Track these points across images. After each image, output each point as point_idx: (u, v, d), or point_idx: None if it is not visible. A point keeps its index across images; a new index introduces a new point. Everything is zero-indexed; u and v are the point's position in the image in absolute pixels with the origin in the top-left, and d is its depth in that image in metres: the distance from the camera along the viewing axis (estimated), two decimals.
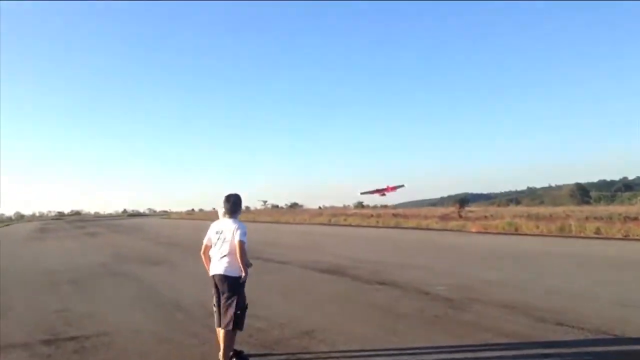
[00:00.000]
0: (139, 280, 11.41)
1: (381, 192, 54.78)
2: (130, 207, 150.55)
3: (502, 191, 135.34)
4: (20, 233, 43.56)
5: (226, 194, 5.02)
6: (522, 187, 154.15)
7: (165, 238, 27.14)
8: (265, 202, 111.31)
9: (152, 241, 25.02)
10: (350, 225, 34.64)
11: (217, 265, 4.92)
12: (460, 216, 33.41)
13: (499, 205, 58.84)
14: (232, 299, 4.79)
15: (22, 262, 17.07)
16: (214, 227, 5.08)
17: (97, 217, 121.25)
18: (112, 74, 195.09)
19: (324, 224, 38.11)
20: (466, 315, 6.81)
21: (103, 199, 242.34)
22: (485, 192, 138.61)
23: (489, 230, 23.31)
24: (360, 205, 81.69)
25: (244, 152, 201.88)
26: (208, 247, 5.10)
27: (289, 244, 19.96)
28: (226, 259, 4.86)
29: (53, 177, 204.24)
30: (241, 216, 5.19)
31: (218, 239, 4.96)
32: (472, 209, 47.23)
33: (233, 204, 5.02)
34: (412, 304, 7.61)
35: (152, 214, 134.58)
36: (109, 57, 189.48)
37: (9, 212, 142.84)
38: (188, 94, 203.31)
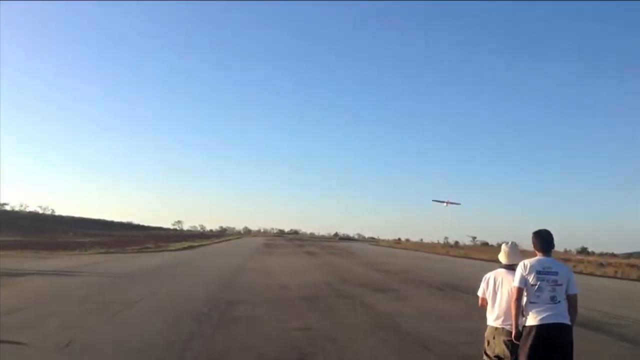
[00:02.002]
0: (369, 306, 11.00)
1: (444, 203, 69.23)
2: (341, 231, 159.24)
3: None
4: (251, 247, 49.04)
5: (534, 230, 4.21)
6: None
7: (381, 265, 27.01)
8: (474, 238, 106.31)
9: (368, 267, 25.12)
10: (581, 273, 29.64)
11: (552, 312, 3.88)
12: None
13: None
14: (572, 353, 3.86)
15: (258, 274, 18.48)
16: (531, 267, 4.03)
17: (312, 238, 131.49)
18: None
19: None
20: None
21: (317, 220, 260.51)
22: None
23: None
24: (584, 250, 74.75)
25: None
26: (521, 291, 4.00)
27: None
28: (562, 305, 3.94)
29: (278, 196, 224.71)
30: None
31: (543, 281, 3.95)
32: None
33: (544, 239, 4.15)
34: None
35: (361, 239, 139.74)
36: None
37: (239, 226, 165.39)
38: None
